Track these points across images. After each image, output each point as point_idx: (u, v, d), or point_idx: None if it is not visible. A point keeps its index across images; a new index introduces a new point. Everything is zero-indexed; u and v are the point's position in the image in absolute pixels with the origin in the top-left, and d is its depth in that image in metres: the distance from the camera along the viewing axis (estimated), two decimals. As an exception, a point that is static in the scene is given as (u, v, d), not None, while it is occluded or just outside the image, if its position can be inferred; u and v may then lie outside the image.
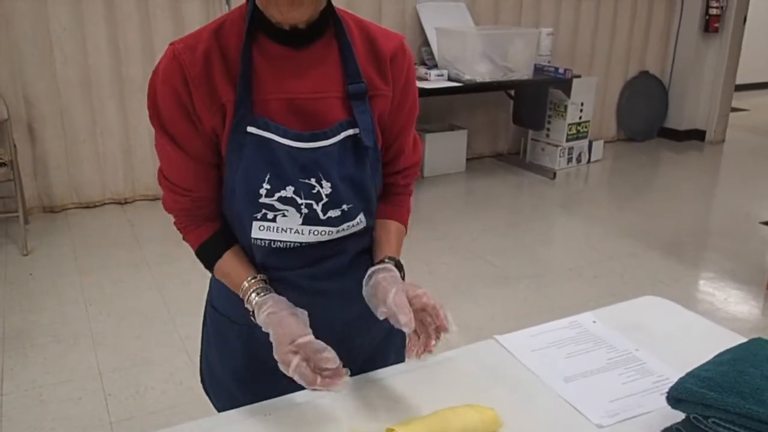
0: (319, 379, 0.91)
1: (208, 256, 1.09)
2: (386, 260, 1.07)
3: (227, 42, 0.99)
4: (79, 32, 3.91)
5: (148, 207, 4.22)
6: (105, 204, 4.25)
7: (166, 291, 3.10)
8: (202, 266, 1.13)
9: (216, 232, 1.09)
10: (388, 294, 0.99)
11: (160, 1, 4.05)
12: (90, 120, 4.09)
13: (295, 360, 0.92)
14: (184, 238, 1.12)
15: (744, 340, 1.08)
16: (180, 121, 1.00)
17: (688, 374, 0.93)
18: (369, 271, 1.05)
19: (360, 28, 1.06)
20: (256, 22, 0.99)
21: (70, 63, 3.94)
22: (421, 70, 4.54)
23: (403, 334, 1.29)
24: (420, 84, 4.33)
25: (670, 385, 0.93)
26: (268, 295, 1.02)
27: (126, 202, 4.28)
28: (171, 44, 0.99)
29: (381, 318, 1.02)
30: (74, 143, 4.08)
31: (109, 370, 2.51)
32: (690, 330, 1.27)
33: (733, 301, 3.17)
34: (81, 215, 4.11)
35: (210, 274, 1.17)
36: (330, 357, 0.92)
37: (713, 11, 5.70)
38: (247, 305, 1.03)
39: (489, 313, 2.98)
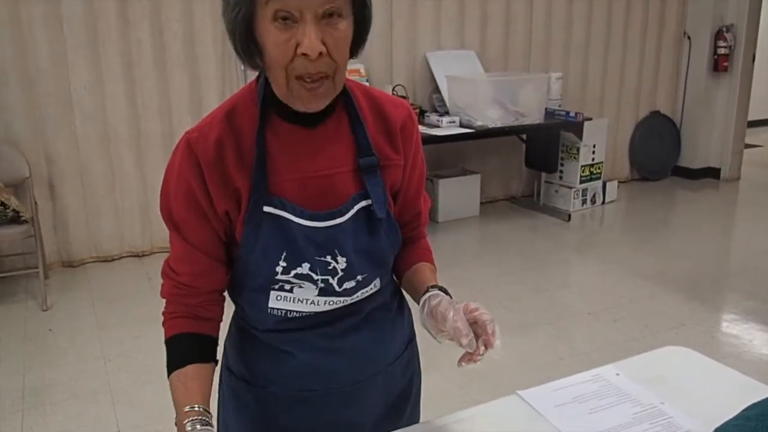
0: None
1: (176, 351, 1.03)
2: (430, 288, 1.07)
3: (240, 126, 1.01)
4: (98, 91, 4.02)
5: (166, 259, 4.25)
6: (123, 257, 4.29)
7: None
8: (222, 323, 1.13)
9: (196, 333, 1.05)
10: (446, 318, 0.98)
11: (176, 60, 4.17)
12: (109, 175, 4.16)
13: None
14: (163, 324, 1.07)
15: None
16: (191, 216, 1.01)
17: (716, 430, 0.91)
18: (421, 301, 1.06)
19: (368, 98, 1.08)
20: (267, 103, 1.01)
21: (89, 121, 4.04)
22: (433, 117, 4.59)
23: (419, 390, 1.29)
24: (432, 131, 4.38)
25: (699, 441, 0.91)
26: (205, 428, 0.96)
27: (143, 255, 4.32)
28: (186, 133, 1.01)
29: (441, 342, 1.02)
30: (93, 198, 4.15)
31: (128, 427, 2.49)
32: (715, 381, 1.25)
33: (759, 343, 3.11)
34: (99, 269, 4.15)
35: (224, 336, 1.17)
36: None
37: (721, 51, 5.75)
38: (177, 424, 0.97)
39: (508, 361, 2.94)
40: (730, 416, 0.95)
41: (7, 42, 3.76)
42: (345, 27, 0.92)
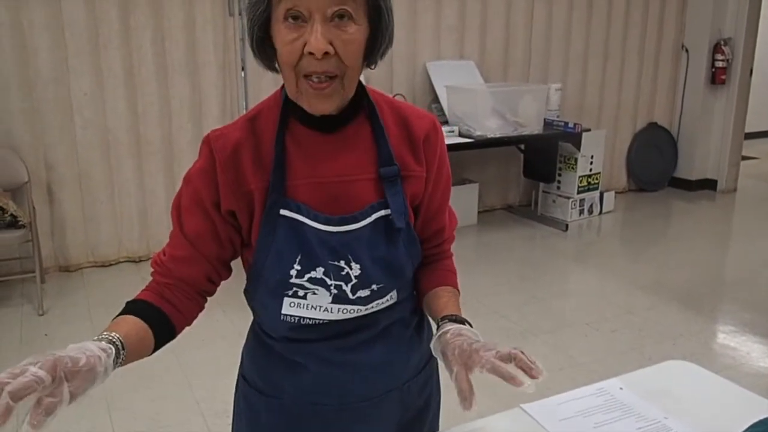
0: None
1: (125, 308, 1.01)
2: (440, 321, 1.02)
3: (262, 129, 1.03)
4: (99, 96, 4.02)
5: (163, 265, 4.24)
6: (120, 262, 4.28)
7: (180, 352, 3.08)
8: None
9: (154, 304, 1.02)
10: (451, 371, 0.94)
11: (177, 66, 4.17)
12: (108, 181, 4.16)
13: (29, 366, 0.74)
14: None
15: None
16: (192, 205, 1.03)
17: (722, 447, 0.92)
18: (433, 340, 0.99)
19: (393, 109, 1.08)
20: (288, 108, 1.02)
21: (89, 126, 4.03)
22: (432, 127, 4.60)
23: (437, 412, 1.26)
24: (431, 140, 4.38)
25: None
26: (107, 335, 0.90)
27: (141, 260, 4.31)
28: (207, 134, 1.04)
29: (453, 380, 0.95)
30: (92, 204, 4.14)
31: (125, 434, 2.48)
32: (719, 396, 1.25)
33: (756, 356, 3.12)
34: (96, 274, 4.13)
35: (242, 344, 1.19)
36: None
37: (719, 64, 5.78)
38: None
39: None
40: (736, 432, 0.95)
41: (8, 48, 3.76)
42: (355, 30, 0.93)
